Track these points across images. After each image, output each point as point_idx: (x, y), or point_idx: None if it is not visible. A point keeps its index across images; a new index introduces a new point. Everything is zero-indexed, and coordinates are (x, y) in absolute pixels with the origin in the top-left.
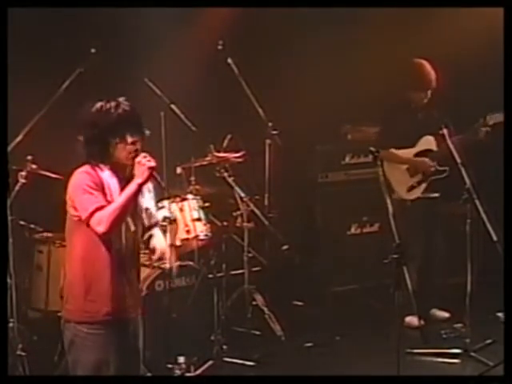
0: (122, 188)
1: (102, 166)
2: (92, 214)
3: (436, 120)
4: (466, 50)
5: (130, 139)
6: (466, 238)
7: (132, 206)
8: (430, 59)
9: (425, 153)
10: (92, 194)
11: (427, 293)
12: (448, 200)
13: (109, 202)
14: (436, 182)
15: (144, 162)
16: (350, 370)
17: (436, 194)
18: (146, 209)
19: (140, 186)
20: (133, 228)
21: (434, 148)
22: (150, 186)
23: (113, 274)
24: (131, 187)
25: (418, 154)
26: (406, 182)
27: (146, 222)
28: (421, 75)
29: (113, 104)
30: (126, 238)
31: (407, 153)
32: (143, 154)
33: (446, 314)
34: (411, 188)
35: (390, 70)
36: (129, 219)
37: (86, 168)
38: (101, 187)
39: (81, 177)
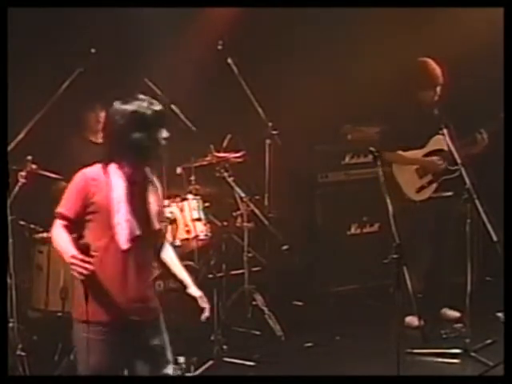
0: (127, 190)
1: (114, 164)
2: (56, 215)
3: (439, 120)
4: (466, 50)
5: (164, 134)
6: (466, 238)
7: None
8: (433, 57)
9: (436, 153)
10: (69, 197)
11: (432, 293)
12: (450, 200)
13: (83, 212)
14: (447, 181)
15: None
16: (350, 370)
17: (449, 193)
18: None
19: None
20: (138, 232)
21: (446, 148)
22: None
23: (112, 276)
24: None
25: (428, 155)
26: (415, 183)
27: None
28: (426, 73)
29: (145, 103)
30: (130, 242)
31: (416, 154)
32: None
33: (457, 314)
34: (420, 189)
35: (392, 69)
36: (135, 223)
37: (86, 169)
38: (85, 192)
39: (76, 176)
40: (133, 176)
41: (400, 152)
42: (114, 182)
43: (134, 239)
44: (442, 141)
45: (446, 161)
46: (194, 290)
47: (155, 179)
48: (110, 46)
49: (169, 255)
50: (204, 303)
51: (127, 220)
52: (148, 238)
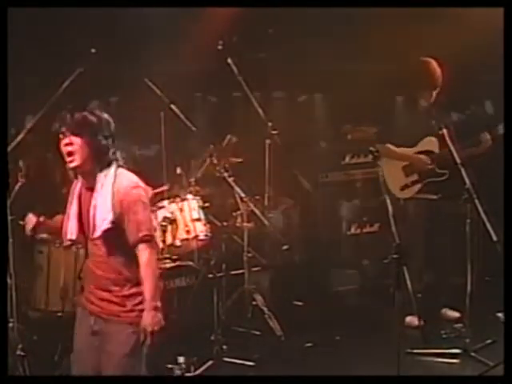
0: (78, 196)
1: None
2: None
3: (438, 120)
4: (466, 50)
5: (61, 136)
6: (466, 238)
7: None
8: (435, 57)
9: (425, 153)
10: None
11: (432, 293)
12: (448, 200)
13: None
14: (435, 183)
15: None
16: (350, 370)
17: (434, 196)
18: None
19: None
20: (71, 236)
21: (436, 150)
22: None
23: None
24: None
25: (417, 154)
26: (400, 180)
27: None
28: (428, 73)
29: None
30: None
31: (406, 151)
32: None
33: (457, 314)
34: (404, 187)
35: (393, 69)
36: (73, 227)
37: None
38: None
39: None
40: (84, 183)
41: (389, 145)
42: (75, 187)
43: (72, 241)
44: (432, 142)
45: (435, 163)
46: (143, 317)
47: (125, 186)
48: (110, 46)
49: (142, 274)
50: (144, 333)
51: (66, 223)
52: (89, 243)
